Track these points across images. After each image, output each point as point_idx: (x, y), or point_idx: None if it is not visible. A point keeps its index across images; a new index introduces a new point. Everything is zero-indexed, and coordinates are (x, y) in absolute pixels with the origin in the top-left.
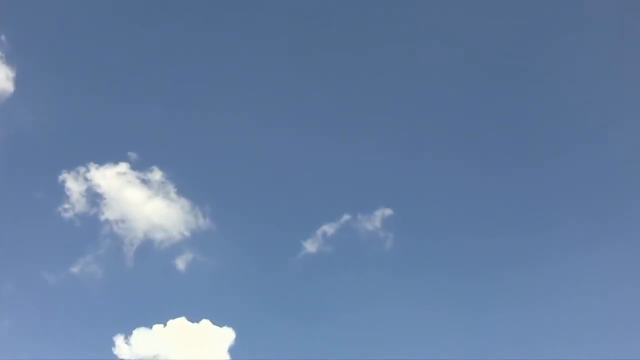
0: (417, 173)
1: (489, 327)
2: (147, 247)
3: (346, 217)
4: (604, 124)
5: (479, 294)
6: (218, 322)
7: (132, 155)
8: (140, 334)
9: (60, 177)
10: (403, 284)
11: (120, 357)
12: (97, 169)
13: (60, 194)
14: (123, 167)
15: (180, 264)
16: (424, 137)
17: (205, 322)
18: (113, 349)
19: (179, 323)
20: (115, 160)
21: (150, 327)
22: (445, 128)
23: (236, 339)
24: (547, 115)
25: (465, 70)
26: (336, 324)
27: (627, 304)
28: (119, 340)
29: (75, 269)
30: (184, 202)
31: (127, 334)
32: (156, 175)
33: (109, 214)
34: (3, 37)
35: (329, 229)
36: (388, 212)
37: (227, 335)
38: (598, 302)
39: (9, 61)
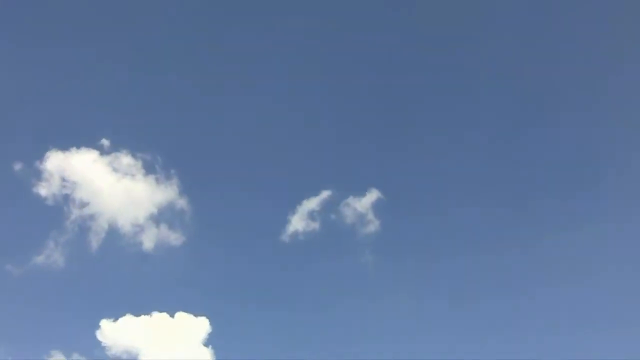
0: (408, 156)
1: (477, 318)
2: (120, 231)
3: (332, 197)
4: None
5: (467, 284)
6: (193, 311)
7: (106, 139)
8: (110, 325)
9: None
10: (388, 271)
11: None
12: (73, 152)
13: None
14: (97, 151)
15: (154, 248)
16: (418, 123)
17: (181, 314)
18: (97, 332)
19: (155, 315)
20: (89, 144)
21: (118, 318)
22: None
23: (212, 329)
24: (540, 104)
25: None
26: (317, 313)
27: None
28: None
29: (41, 257)
30: (160, 183)
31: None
32: (131, 158)
33: (81, 196)
34: None
35: (313, 210)
36: (377, 194)
37: (202, 325)
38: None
39: None
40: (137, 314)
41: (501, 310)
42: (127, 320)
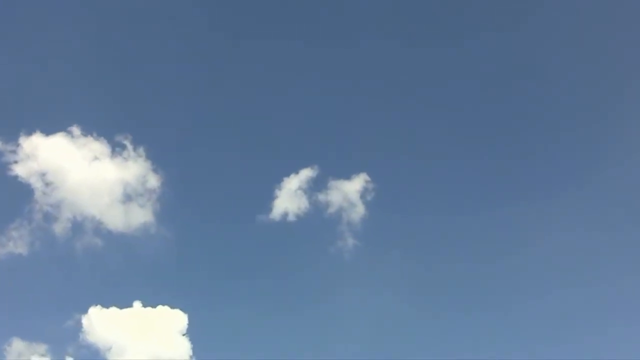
0: (401, 143)
1: (462, 316)
2: (93, 216)
3: (318, 178)
4: None
5: (453, 282)
6: (171, 303)
7: (76, 123)
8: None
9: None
10: (372, 263)
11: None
12: (43, 137)
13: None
14: (68, 135)
15: (128, 232)
16: (415, 111)
17: (159, 307)
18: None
19: (134, 308)
20: (60, 129)
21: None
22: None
23: (189, 321)
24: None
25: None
26: (295, 308)
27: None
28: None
29: (8, 244)
30: (137, 165)
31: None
32: (102, 141)
33: (51, 180)
34: None
35: (297, 191)
36: (365, 178)
37: (179, 318)
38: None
39: None
40: (107, 303)
41: (489, 305)
42: (99, 311)
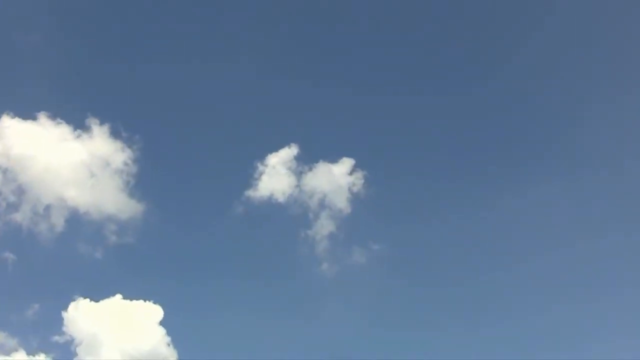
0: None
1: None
2: (65, 201)
3: (304, 161)
4: None
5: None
6: (147, 296)
7: (44, 109)
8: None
9: None
10: (352, 251)
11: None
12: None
13: None
14: (34, 120)
15: (101, 218)
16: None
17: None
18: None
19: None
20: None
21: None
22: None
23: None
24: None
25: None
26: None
27: None
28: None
29: None
30: (114, 148)
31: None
32: (69, 125)
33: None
34: None
35: (280, 171)
36: (351, 162)
37: (155, 311)
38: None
39: None
40: (77, 293)
41: (473, 303)
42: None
